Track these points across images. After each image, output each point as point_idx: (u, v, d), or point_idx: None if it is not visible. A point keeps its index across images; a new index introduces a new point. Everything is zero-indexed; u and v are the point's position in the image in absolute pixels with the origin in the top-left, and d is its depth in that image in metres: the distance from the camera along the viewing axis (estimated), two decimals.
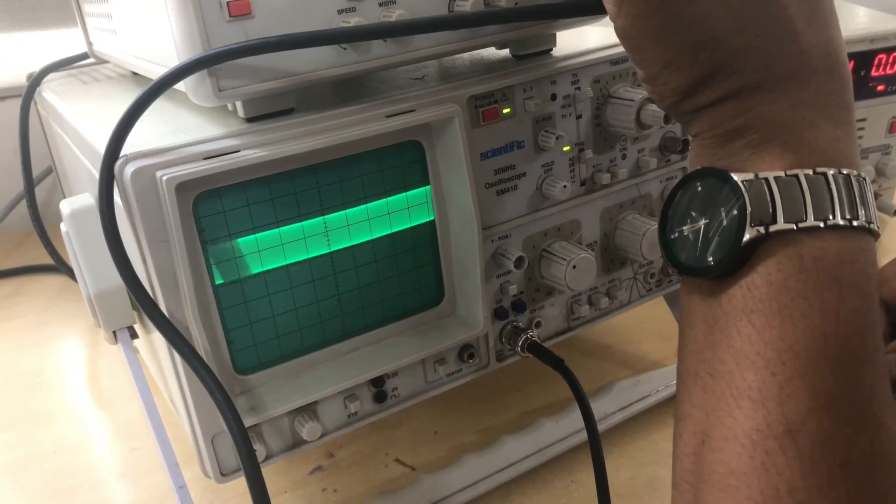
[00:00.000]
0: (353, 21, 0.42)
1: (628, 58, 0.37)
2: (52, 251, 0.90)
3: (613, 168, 0.55)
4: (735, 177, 0.32)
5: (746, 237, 0.31)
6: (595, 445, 0.49)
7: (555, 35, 0.53)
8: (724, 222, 0.33)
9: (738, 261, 0.32)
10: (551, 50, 0.53)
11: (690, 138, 0.36)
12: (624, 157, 0.55)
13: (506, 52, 0.53)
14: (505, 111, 0.49)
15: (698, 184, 0.34)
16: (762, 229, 0.31)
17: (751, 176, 0.32)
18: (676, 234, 0.35)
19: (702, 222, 0.34)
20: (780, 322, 0.31)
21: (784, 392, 0.30)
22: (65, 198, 0.49)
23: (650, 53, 0.34)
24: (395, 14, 0.42)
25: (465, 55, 0.57)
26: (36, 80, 0.76)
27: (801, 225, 0.31)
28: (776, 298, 0.31)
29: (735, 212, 0.32)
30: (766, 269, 0.31)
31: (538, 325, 0.55)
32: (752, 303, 0.32)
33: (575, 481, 0.57)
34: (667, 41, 0.33)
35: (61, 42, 1.05)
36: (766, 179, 0.32)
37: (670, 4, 0.32)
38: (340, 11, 0.42)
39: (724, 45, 0.32)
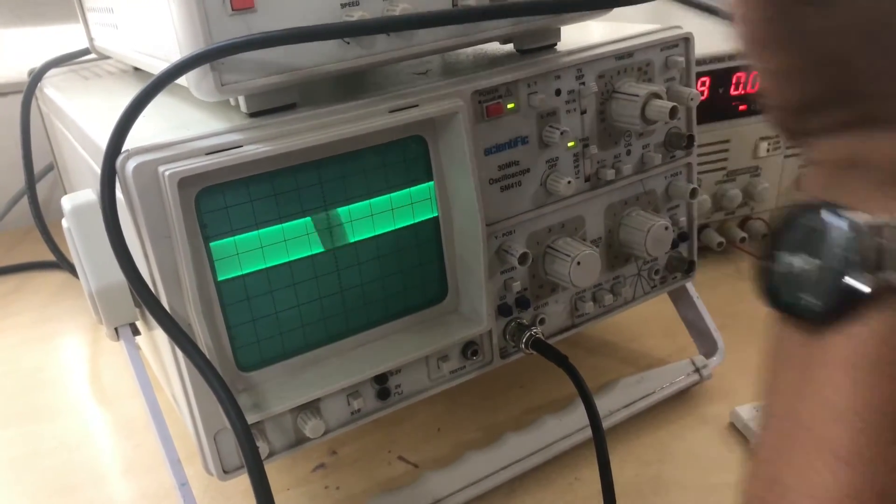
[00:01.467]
0: (357, 15, 0.41)
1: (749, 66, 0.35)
2: (54, 248, 0.90)
3: (618, 164, 0.54)
4: (849, 216, 0.30)
5: (855, 284, 0.29)
6: (599, 443, 0.49)
7: (559, 30, 0.52)
8: (834, 264, 0.30)
9: (844, 308, 0.30)
10: (555, 45, 0.53)
11: (805, 163, 0.34)
12: (629, 152, 0.55)
13: (510, 46, 0.53)
14: (509, 106, 0.49)
15: (809, 216, 0.31)
16: (872, 278, 0.29)
17: (867, 218, 0.29)
18: (779, 268, 0.32)
19: (808, 260, 0.31)
20: (881, 380, 0.28)
21: (880, 456, 0.28)
22: (66, 194, 0.49)
23: (772, 62, 0.31)
24: (399, 8, 0.42)
25: (469, 50, 0.56)
26: (37, 76, 0.76)
27: None
28: (878, 353, 0.29)
29: (846, 255, 0.29)
30: (872, 320, 0.29)
31: (542, 321, 0.55)
32: (853, 356, 0.29)
33: (579, 479, 0.57)
34: (791, 51, 0.30)
35: (62, 37, 1.05)
36: (883, 226, 0.29)
37: (800, 14, 0.29)
38: (344, 5, 0.41)
39: (852, 67, 0.30)
